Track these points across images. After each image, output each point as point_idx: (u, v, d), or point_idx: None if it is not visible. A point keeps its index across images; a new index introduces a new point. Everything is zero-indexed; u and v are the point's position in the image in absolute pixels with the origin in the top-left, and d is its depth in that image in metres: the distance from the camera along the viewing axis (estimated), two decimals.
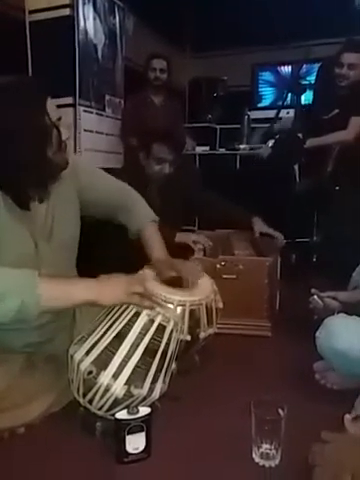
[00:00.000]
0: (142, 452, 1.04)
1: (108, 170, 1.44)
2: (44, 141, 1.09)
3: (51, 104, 1.11)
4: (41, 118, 1.08)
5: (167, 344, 1.10)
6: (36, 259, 1.16)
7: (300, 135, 2.49)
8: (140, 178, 2.06)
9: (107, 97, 3.06)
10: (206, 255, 1.93)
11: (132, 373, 1.05)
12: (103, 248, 1.68)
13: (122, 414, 1.02)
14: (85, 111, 2.83)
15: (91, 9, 2.82)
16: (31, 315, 0.97)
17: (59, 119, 1.12)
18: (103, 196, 1.42)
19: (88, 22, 2.80)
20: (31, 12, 2.65)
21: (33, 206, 1.17)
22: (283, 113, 3.01)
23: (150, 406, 1.07)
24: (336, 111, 2.55)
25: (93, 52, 2.89)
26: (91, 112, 2.89)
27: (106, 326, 1.10)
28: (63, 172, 1.21)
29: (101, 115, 3.00)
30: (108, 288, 1.07)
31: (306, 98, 3.16)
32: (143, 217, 1.50)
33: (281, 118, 3.05)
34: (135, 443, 1.03)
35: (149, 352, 1.07)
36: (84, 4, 2.74)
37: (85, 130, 2.84)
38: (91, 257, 1.56)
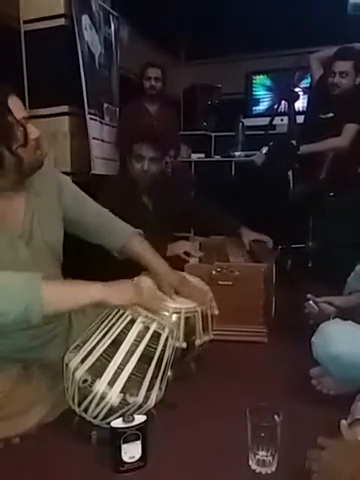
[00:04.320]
0: (138, 461, 1.03)
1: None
2: (5, 136, 1.11)
3: (16, 103, 1.13)
4: (3, 114, 1.10)
5: (162, 351, 1.10)
6: (13, 259, 1.16)
7: (294, 142, 2.51)
8: (133, 184, 2.10)
9: (105, 105, 3.08)
10: (201, 262, 1.93)
11: (127, 381, 1.05)
12: (94, 257, 1.68)
13: (117, 422, 1.02)
14: (91, 119, 2.85)
15: (88, 19, 2.85)
16: (35, 318, 0.97)
17: (26, 118, 1.15)
18: (84, 217, 1.42)
19: (86, 32, 2.82)
20: (26, 22, 2.67)
21: (10, 209, 1.19)
22: (277, 120, 3.03)
23: (146, 414, 1.06)
24: (330, 115, 2.58)
25: (92, 61, 2.91)
26: (95, 120, 2.92)
27: (101, 334, 1.10)
28: (48, 184, 1.28)
29: (101, 123, 3.02)
30: (117, 289, 1.09)
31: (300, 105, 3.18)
32: (124, 233, 1.49)
33: (275, 126, 3.08)
34: (131, 452, 1.02)
35: (144, 359, 1.07)
36: (81, 14, 2.76)
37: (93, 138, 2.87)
38: (83, 266, 1.56)
